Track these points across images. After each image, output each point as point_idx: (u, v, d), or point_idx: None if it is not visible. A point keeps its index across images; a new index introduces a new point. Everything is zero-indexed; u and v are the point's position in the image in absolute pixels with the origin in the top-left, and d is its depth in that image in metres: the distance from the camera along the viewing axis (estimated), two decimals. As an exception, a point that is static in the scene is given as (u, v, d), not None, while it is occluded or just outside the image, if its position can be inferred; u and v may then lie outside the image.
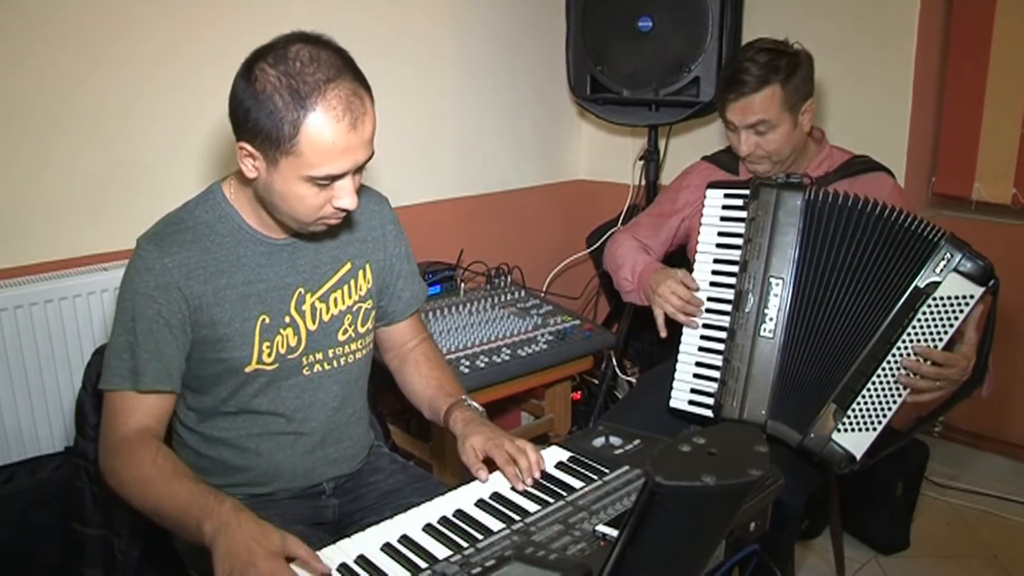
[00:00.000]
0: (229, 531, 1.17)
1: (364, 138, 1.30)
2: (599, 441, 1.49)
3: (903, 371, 1.67)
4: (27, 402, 1.99)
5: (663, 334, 1.93)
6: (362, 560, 1.19)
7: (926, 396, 1.69)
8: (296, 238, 1.47)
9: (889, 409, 1.69)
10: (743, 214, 1.81)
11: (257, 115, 1.25)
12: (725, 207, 1.85)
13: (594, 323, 2.60)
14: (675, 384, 1.87)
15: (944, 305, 1.66)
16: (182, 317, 1.38)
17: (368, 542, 1.23)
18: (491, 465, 1.42)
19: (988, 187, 2.64)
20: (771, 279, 1.76)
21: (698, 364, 1.84)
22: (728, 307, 1.81)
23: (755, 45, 1.96)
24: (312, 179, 1.29)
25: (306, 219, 1.36)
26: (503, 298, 2.64)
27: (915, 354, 1.67)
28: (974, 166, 2.65)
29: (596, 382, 2.92)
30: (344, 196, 1.33)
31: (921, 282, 1.67)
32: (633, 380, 2.92)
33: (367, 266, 1.58)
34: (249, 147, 1.29)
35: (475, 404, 1.57)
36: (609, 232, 2.96)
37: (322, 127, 1.25)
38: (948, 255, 1.65)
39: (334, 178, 1.30)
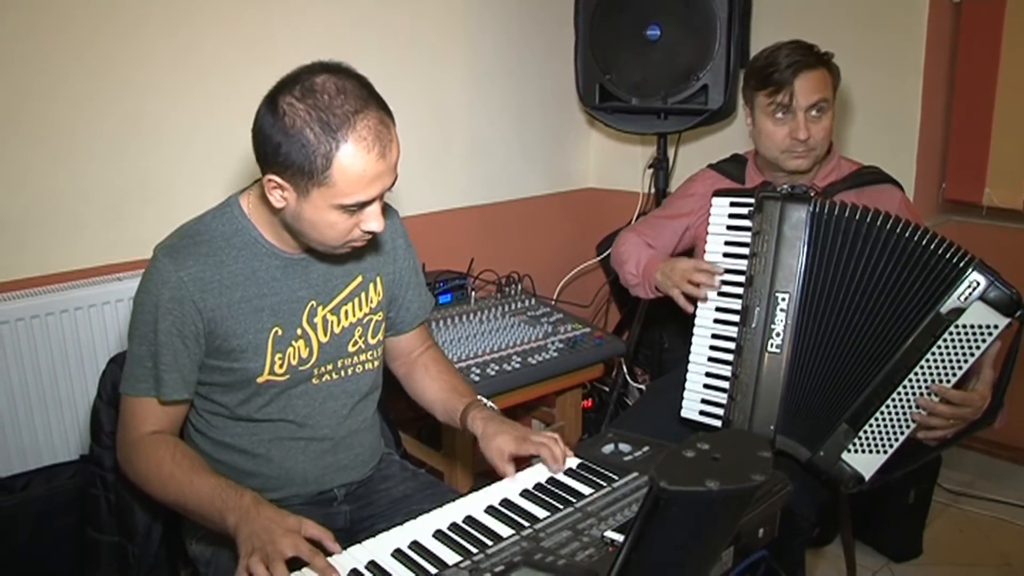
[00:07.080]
0: (249, 517, 1.25)
1: (391, 164, 1.35)
2: (608, 448, 1.49)
3: (916, 409, 1.63)
4: (43, 411, 2.01)
5: (689, 310, 1.88)
6: (373, 566, 1.20)
7: (937, 433, 1.66)
8: (309, 252, 1.49)
9: (901, 434, 1.66)
10: (749, 223, 1.79)
11: (288, 149, 1.28)
12: (731, 215, 1.83)
13: (604, 331, 2.60)
14: (686, 394, 1.85)
15: (966, 334, 1.59)
16: (196, 330, 1.41)
17: (379, 548, 1.24)
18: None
19: (999, 192, 2.63)
20: (777, 294, 1.73)
21: (708, 374, 1.83)
22: (736, 317, 1.79)
23: (787, 43, 1.91)
24: (343, 207, 1.33)
25: (335, 243, 1.40)
26: (514, 306, 2.65)
27: (930, 392, 1.62)
28: (984, 171, 2.65)
29: (607, 389, 2.92)
30: (372, 220, 1.37)
31: (944, 308, 1.59)
32: (643, 387, 2.92)
33: (378, 279, 1.60)
34: (278, 179, 1.32)
35: (490, 403, 1.61)
36: (619, 240, 2.97)
37: (354, 158, 1.29)
38: (976, 282, 1.57)
39: (363, 204, 1.34)
